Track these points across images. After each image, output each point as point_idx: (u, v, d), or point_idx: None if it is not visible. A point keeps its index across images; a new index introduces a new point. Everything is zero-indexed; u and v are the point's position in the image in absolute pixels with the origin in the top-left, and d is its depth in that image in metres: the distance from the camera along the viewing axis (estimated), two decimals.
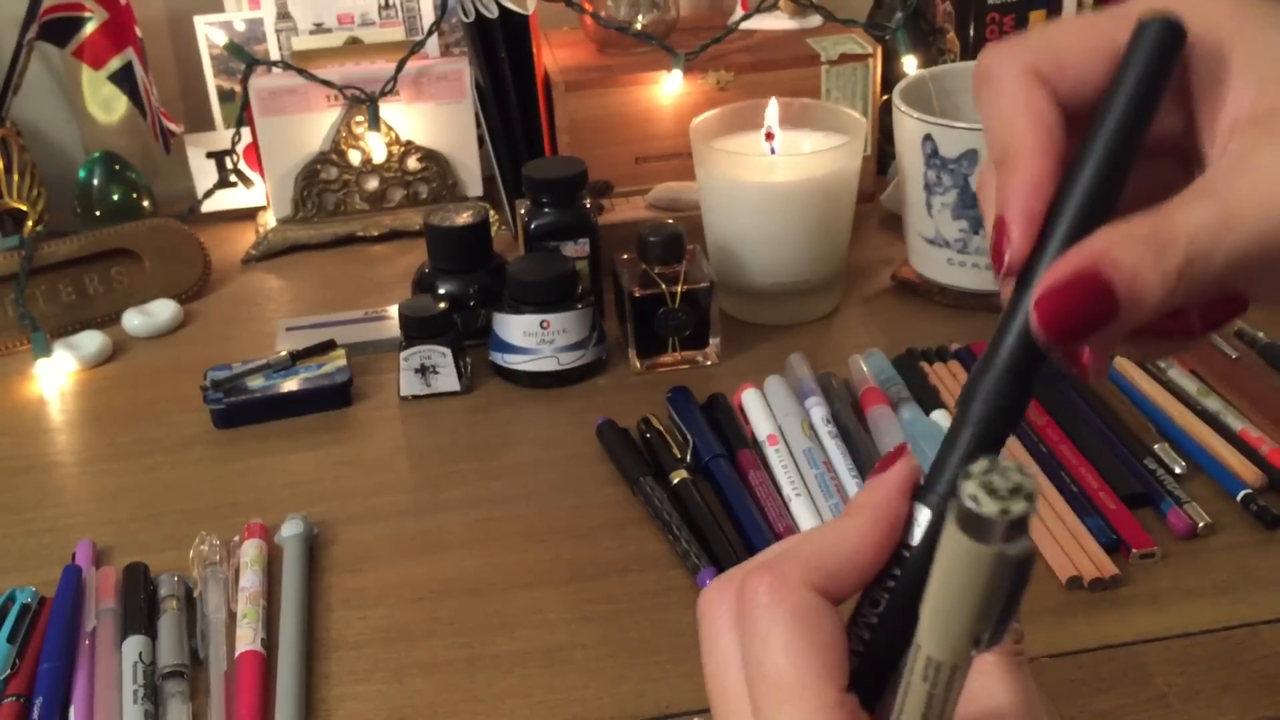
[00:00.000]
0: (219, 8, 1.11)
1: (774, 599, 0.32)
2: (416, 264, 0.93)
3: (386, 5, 1.09)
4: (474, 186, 1.09)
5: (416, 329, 0.84)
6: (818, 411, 0.78)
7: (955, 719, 0.30)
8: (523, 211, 0.90)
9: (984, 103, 0.34)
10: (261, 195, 1.10)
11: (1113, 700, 0.59)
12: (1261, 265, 0.31)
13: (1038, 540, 0.68)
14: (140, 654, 0.62)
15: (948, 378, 0.82)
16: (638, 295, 0.84)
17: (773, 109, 0.92)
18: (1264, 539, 0.68)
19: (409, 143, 1.07)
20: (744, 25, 1.06)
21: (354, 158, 1.07)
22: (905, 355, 0.85)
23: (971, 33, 1.11)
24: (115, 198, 1.08)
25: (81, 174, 1.09)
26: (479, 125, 1.07)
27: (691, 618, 0.65)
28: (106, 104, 1.14)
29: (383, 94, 1.04)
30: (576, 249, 0.89)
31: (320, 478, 0.78)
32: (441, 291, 0.89)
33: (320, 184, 1.07)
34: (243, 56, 1.04)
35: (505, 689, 0.61)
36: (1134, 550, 0.67)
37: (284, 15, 1.08)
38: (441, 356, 0.84)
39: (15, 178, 1.05)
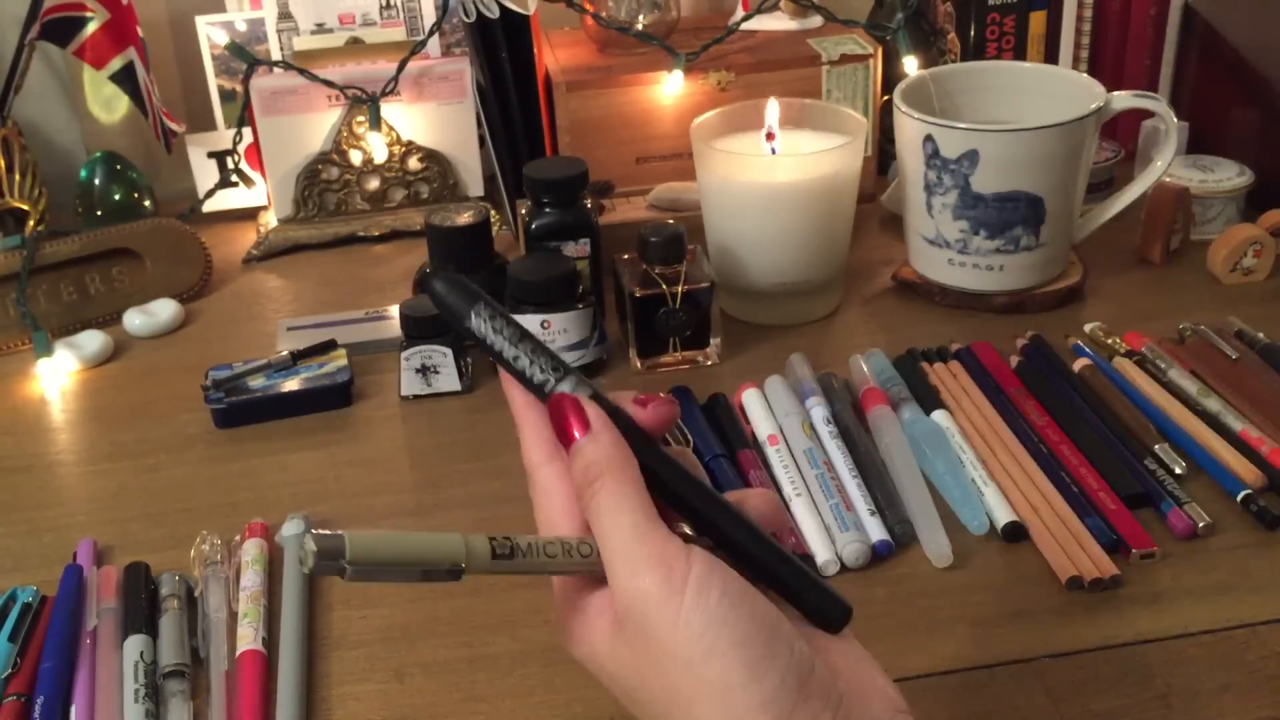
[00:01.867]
0: (220, 8, 1.11)
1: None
2: (417, 264, 0.93)
3: (388, 5, 1.09)
4: (475, 186, 1.09)
5: (417, 329, 0.84)
6: (818, 411, 0.78)
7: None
8: (523, 211, 0.90)
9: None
10: (263, 195, 1.10)
11: (1113, 700, 0.59)
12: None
13: (1039, 541, 0.68)
14: (141, 653, 0.62)
15: (948, 378, 0.82)
16: (638, 295, 0.84)
17: (773, 109, 0.92)
18: (1264, 539, 0.68)
19: (410, 143, 1.07)
20: (745, 26, 1.06)
21: (355, 158, 1.07)
22: (906, 355, 0.85)
23: (972, 33, 1.11)
24: (116, 197, 1.08)
25: (83, 174, 1.09)
26: (480, 125, 1.07)
27: None
28: (108, 104, 1.14)
29: (384, 94, 1.04)
30: (577, 249, 0.89)
31: (321, 477, 0.78)
32: None
33: (321, 184, 1.07)
34: (244, 56, 1.04)
35: (505, 689, 0.61)
36: (1134, 550, 0.67)
37: (285, 15, 1.08)
38: (442, 356, 0.84)
39: (17, 177, 1.05)
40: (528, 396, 0.42)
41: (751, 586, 0.38)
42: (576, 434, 0.40)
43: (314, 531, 0.36)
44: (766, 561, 0.40)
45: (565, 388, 0.41)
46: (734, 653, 0.37)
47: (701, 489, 0.41)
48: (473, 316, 0.41)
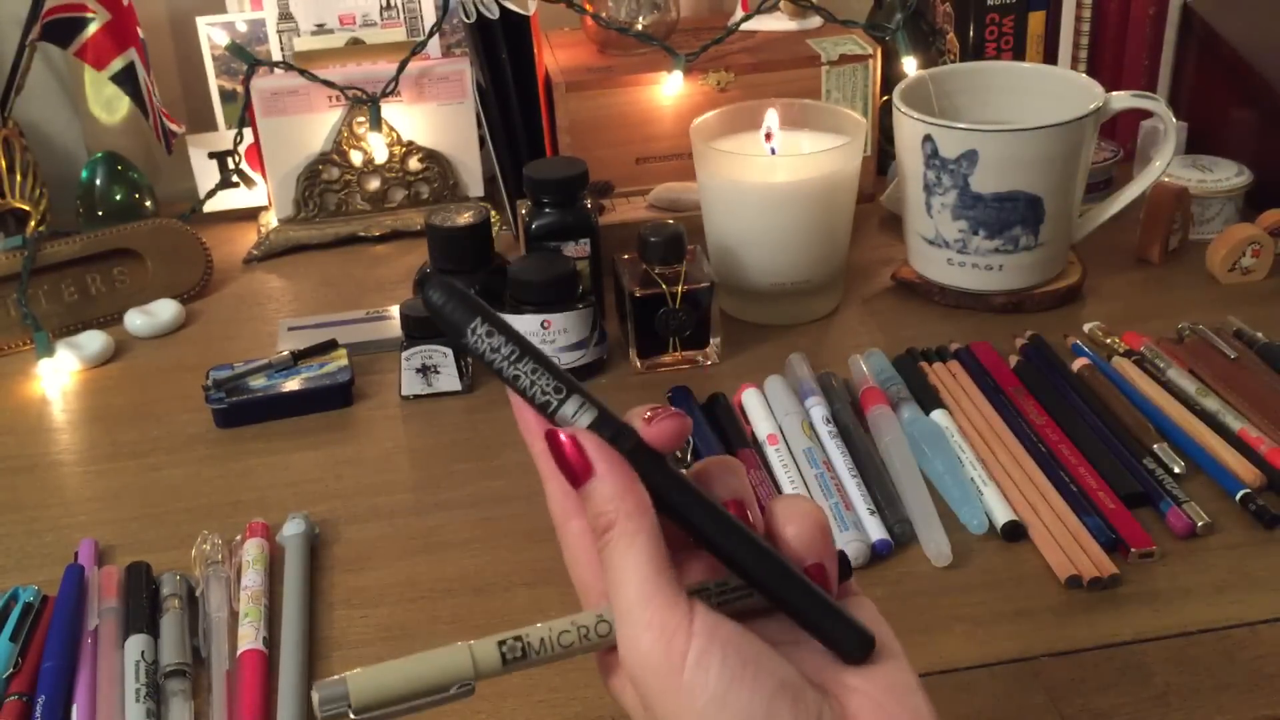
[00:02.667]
0: (221, 8, 1.11)
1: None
2: (418, 264, 0.94)
3: (388, 6, 1.09)
4: (475, 187, 1.09)
5: (418, 329, 0.84)
6: (818, 411, 0.78)
7: None
8: (524, 212, 0.90)
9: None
10: (263, 195, 1.10)
11: (1112, 699, 0.59)
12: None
13: (1038, 540, 0.68)
14: (142, 653, 0.63)
15: (947, 378, 0.82)
16: (638, 295, 0.84)
17: (771, 118, 0.92)
18: (1263, 538, 0.68)
19: (410, 143, 1.07)
20: (744, 26, 1.06)
21: (355, 158, 1.07)
22: (905, 355, 0.85)
23: (971, 33, 1.11)
24: (117, 198, 1.08)
25: (84, 174, 1.09)
26: (480, 126, 1.07)
27: None
28: (109, 104, 1.14)
29: (384, 94, 1.04)
30: (577, 249, 0.89)
31: (322, 477, 0.78)
32: None
33: (322, 184, 1.07)
34: (245, 57, 1.04)
35: (506, 688, 0.61)
36: (1133, 550, 0.67)
37: (286, 16, 1.08)
38: (443, 356, 0.84)
39: (18, 178, 1.05)
40: (542, 443, 0.40)
41: (757, 647, 0.37)
42: (581, 474, 0.38)
43: (317, 683, 0.36)
44: (779, 590, 0.39)
45: (568, 409, 0.39)
46: None
47: (713, 514, 0.39)
48: (469, 334, 0.38)
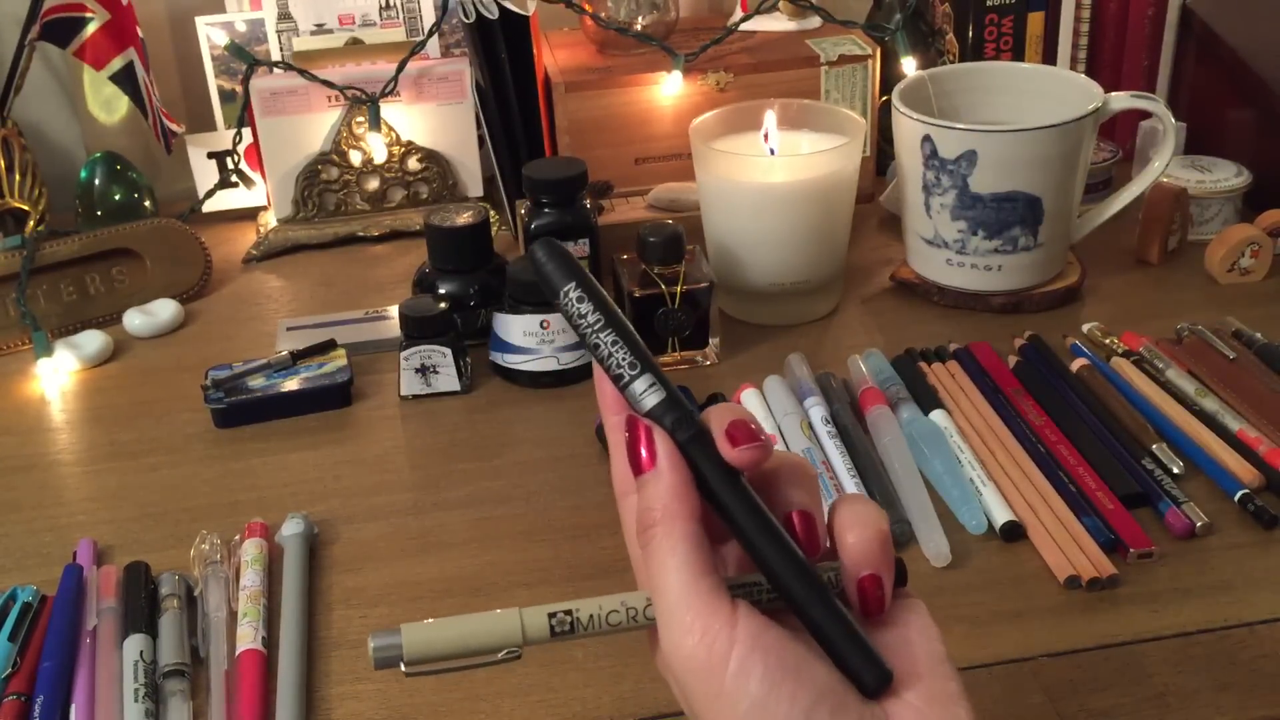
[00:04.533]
0: (220, 8, 1.11)
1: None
2: (417, 264, 0.94)
3: (387, 6, 1.09)
4: (474, 187, 1.09)
5: (417, 329, 0.84)
6: (817, 411, 0.78)
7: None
8: (523, 212, 0.91)
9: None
10: (262, 195, 1.10)
11: (1111, 699, 0.59)
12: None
13: (1037, 540, 0.68)
14: (141, 653, 0.63)
15: (946, 378, 0.82)
16: (638, 295, 0.84)
17: (770, 118, 0.92)
18: (1261, 539, 0.68)
19: (409, 143, 1.07)
20: (744, 26, 1.06)
21: (355, 158, 1.07)
22: (904, 355, 0.85)
23: (970, 34, 1.11)
24: (116, 198, 1.08)
25: (83, 174, 1.09)
26: (479, 126, 1.07)
27: None
28: (108, 104, 1.14)
29: (383, 94, 1.04)
30: (576, 249, 0.89)
31: (321, 477, 0.78)
32: (442, 291, 0.90)
33: (321, 184, 1.07)
34: (244, 57, 1.04)
35: (505, 688, 0.61)
36: (1132, 550, 0.67)
37: (285, 16, 1.08)
38: (442, 356, 0.84)
39: (17, 178, 1.05)
40: (618, 418, 0.41)
41: (799, 654, 0.37)
42: (644, 466, 0.39)
43: (374, 631, 0.37)
44: (807, 610, 0.38)
45: (638, 386, 0.39)
46: None
47: (756, 520, 0.39)
48: (562, 296, 0.40)
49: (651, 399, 0.39)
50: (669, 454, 0.39)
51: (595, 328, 0.39)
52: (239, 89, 1.08)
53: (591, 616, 0.39)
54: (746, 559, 0.40)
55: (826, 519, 0.41)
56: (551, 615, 0.38)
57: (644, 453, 0.39)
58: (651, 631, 0.40)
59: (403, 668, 0.37)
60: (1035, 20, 1.11)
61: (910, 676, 0.38)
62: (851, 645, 0.38)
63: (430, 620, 0.38)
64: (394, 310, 0.92)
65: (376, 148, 1.06)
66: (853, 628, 0.38)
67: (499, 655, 0.38)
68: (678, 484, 0.39)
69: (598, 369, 0.40)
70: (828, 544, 0.40)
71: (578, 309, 0.40)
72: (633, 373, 0.39)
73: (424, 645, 0.37)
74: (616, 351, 0.40)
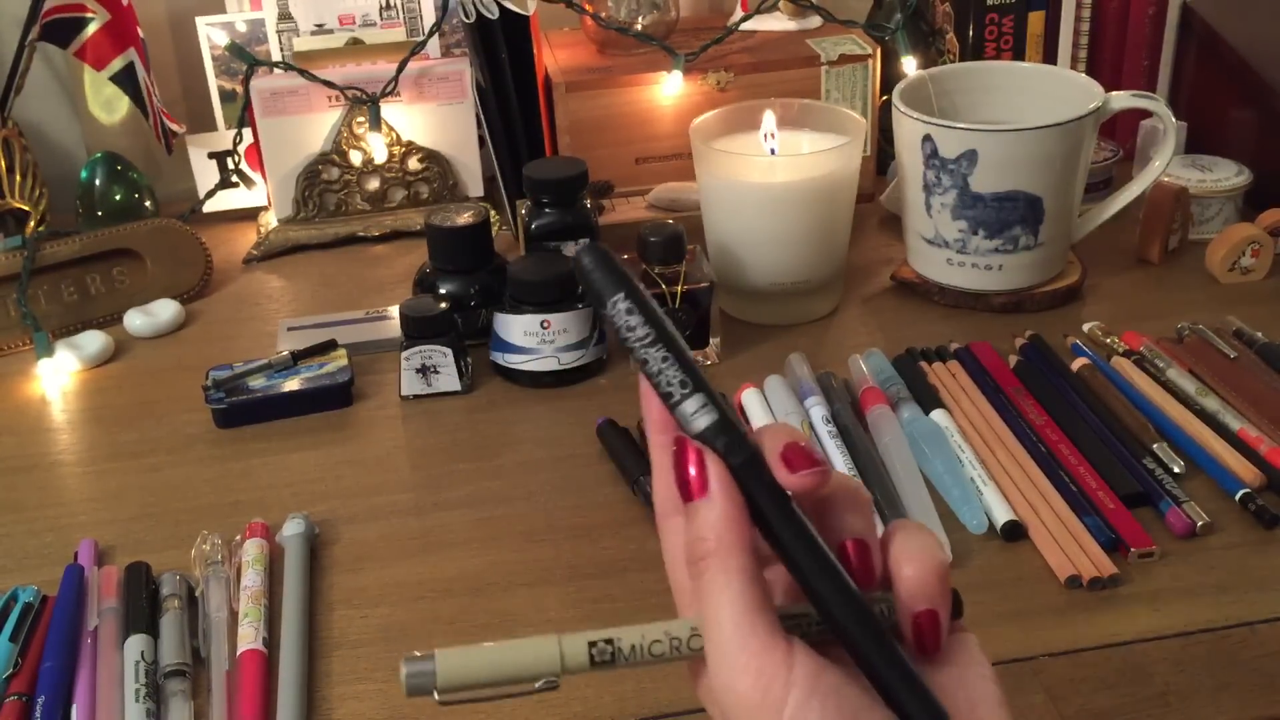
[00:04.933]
0: (221, 8, 1.11)
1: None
2: (417, 264, 0.94)
3: (387, 6, 1.09)
4: (475, 187, 1.09)
5: (418, 329, 0.84)
6: (817, 411, 0.78)
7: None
8: (523, 212, 0.91)
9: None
10: (263, 195, 1.10)
11: (1111, 699, 0.59)
12: None
13: (1038, 540, 0.68)
14: (142, 653, 0.63)
15: (947, 378, 0.82)
16: None
17: (771, 118, 0.92)
18: (1262, 538, 0.68)
19: (410, 143, 1.07)
20: (744, 26, 1.06)
21: (355, 158, 1.07)
22: (905, 355, 0.85)
23: (971, 34, 1.11)
24: (117, 198, 1.08)
25: (83, 174, 1.09)
26: (480, 126, 1.07)
27: None
28: (108, 104, 1.14)
29: (384, 94, 1.04)
30: (577, 249, 0.89)
31: (321, 477, 0.78)
32: (442, 291, 0.90)
33: (321, 184, 1.07)
34: (244, 57, 1.04)
35: None
36: (1133, 549, 0.67)
37: (285, 16, 1.08)
38: (442, 356, 0.84)
39: (17, 178, 1.05)
40: (665, 437, 0.38)
41: (856, 699, 0.35)
42: (694, 493, 0.37)
43: (406, 656, 0.36)
44: (862, 649, 0.37)
45: (688, 407, 0.37)
46: None
47: (811, 552, 0.37)
48: (609, 306, 0.37)
49: (703, 420, 0.37)
50: (722, 480, 0.37)
51: (645, 342, 0.37)
52: (239, 89, 1.08)
53: (634, 647, 0.37)
54: (793, 583, 0.38)
55: (883, 545, 0.39)
56: (592, 645, 0.37)
57: (695, 478, 0.37)
58: (695, 662, 0.38)
59: (435, 696, 0.36)
60: (1036, 20, 1.11)
61: (967, 713, 0.37)
62: (908, 689, 0.36)
63: (465, 647, 0.36)
64: (394, 310, 0.92)
65: (377, 148, 1.06)
66: (909, 670, 0.36)
67: (536, 685, 0.36)
68: (732, 513, 0.36)
69: (644, 384, 0.38)
70: (880, 572, 0.39)
71: (626, 321, 0.37)
72: (684, 392, 0.37)
73: (459, 673, 0.36)
74: (667, 369, 0.37)
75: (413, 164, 1.08)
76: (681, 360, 0.37)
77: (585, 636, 0.37)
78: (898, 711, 0.36)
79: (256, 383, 0.85)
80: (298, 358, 0.87)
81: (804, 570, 0.37)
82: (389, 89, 1.04)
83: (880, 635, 0.37)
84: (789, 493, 0.37)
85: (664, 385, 0.37)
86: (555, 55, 1.07)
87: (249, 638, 0.63)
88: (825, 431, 0.76)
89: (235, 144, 1.07)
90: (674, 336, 0.37)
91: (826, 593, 0.36)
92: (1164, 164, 0.92)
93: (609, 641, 0.37)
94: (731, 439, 0.37)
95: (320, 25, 1.09)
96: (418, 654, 0.36)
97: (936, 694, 0.36)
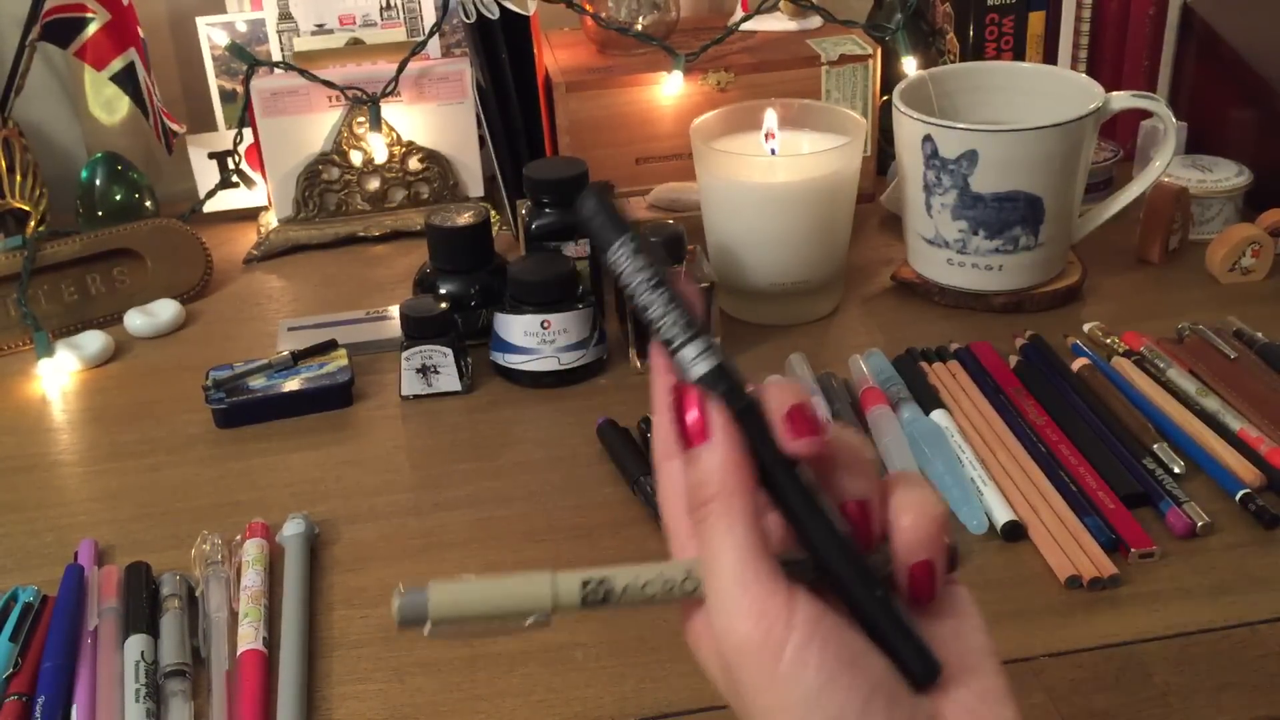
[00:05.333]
0: (221, 8, 1.11)
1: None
2: (418, 264, 0.94)
3: (388, 6, 1.09)
4: (475, 187, 1.09)
5: (418, 329, 0.84)
6: (818, 411, 0.78)
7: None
8: (524, 212, 0.91)
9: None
10: (263, 195, 1.10)
11: (1111, 699, 0.59)
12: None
13: (1038, 540, 0.68)
14: (142, 653, 0.63)
15: (947, 378, 0.82)
16: None
17: (771, 117, 0.92)
18: (1262, 538, 0.68)
19: (410, 143, 1.07)
20: (744, 26, 1.06)
21: (355, 158, 1.07)
22: (905, 355, 0.85)
23: (971, 34, 1.11)
24: (117, 198, 1.08)
25: (84, 174, 1.09)
26: (480, 126, 1.07)
27: None
28: (109, 104, 1.14)
29: (384, 94, 1.04)
30: (577, 249, 0.89)
31: (322, 477, 0.78)
32: (443, 291, 0.90)
33: (322, 184, 1.07)
34: (245, 57, 1.04)
35: (506, 688, 0.62)
36: (1133, 550, 0.67)
37: (286, 16, 1.08)
38: (443, 356, 0.84)
39: (18, 178, 1.05)
40: (670, 379, 0.38)
41: (856, 645, 0.36)
42: (697, 440, 0.37)
43: (399, 588, 0.36)
44: (857, 599, 0.37)
45: (689, 352, 0.37)
46: None
47: (807, 503, 0.37)
48: (612, 250, 0.37)
49: (703, 365, 0.37)
50: (724, 426, 0.37)
51: (648, 286, 0.37)
52: (240, 89, 1.08)
53: (626, 587, 0.37)
54: (788, 531, 0.38)
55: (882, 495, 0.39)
56: (585, 583, 0.37)
57: (695, 423, 0.37)
58: (685, 607, 0.39)
59: (427, 627, 0.36)
60: (1036, 20, 1.11)
61: (958, 671, 0.37)
62: (902, 637, 0.37)
63: (460, 578, 0.37)
64: (395, 310, 0.92)
65: (377, 148, 1.06)
66: (904, 620, 0.37)
67: (527, 622, 0.37)
68: (734, 458, 0.37)
69: (656, 352, 0.38)
70: (881, 527, 0.39)
71: (629, 265, 0.37)
72: (685, 337, 0.37)
73: (451, 605, 0.36)
74: (669, 313, 0.37)
75: (413, 164, 1.08)
76: (684, 307, 0.37)
77: (579, 575, 0.37)
78: (892, 659, 0.37)
79: (256, 383, 0.85)
80: (298, 358, 0.87)
81: (800, 519, 0.37)
82: (389, 89, 1.04)
83: (875, 585, 0.37)
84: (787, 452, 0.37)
85: (666, 330, 0.37)
86: (555, 55, 1.07)
87: (249, 638, 0.63)
88: None
89: (235, 144, 1.07)
90: (678, 285, 0.37)
91: (822, 543, 0.37)
92: (1164, 164, 0.92)
93: (602, 581, 0.37)
94: (731, 386, 0.37)
95: (320, 25, 1.09)
96: (411, 587, 0.36)
97: (931, 645, 0.37)
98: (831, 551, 0.37)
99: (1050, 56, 1.12)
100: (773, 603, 0.36)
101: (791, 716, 0.35)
